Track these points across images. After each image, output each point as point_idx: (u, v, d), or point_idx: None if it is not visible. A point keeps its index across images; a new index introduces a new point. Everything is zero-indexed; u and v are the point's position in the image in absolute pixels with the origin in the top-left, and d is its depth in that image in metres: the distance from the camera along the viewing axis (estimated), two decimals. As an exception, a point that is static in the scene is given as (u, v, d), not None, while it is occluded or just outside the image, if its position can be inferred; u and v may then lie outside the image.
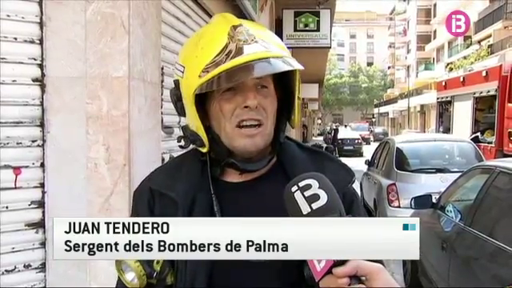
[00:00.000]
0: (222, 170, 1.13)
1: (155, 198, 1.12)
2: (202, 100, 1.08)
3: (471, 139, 10.40)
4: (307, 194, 0.88)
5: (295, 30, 10.76)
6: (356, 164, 19.36)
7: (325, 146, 21.69)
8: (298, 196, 0.89)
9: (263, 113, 1.07)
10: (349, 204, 1.07)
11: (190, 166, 1.14)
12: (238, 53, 1.02)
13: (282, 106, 1.14)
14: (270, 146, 1.13)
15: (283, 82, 1.14)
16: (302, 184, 0.90)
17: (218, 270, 1.05)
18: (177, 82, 1.10)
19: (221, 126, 1.08)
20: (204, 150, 1.11)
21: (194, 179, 1.11)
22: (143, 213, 1.12)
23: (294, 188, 0.90)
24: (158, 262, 1.05)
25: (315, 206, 0.87)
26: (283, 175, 1.11)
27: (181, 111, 1.11)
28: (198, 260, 1.03)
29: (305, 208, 0.87)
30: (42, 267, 2.54)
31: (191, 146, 1.15)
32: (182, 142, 1.14)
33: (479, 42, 34.91)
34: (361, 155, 25.06)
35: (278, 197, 1.08)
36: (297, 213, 0.88)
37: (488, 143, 11.55)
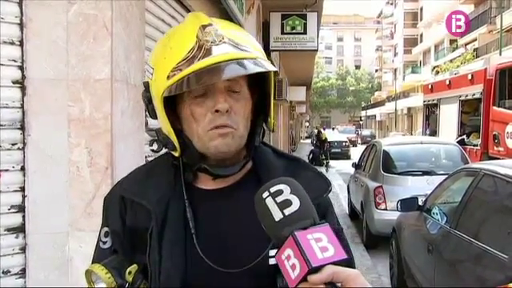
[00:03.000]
0: (194, 176, 1.10)
1: (127, 205, 1.09)
2: (174, 103, 1.05)
3: (457, 142, 10.51)
4: (279, 199, 0.85)
5: (282, 32, 10.76)
6: (343, 167, 19.49)
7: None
8: (269, 202, 0.86)
9: (234, 117, 1.04)
10: (322, 214, 1.04)
11: (162, 172, 1.12)
12: (205, 54, 0.98)
13: (258, 109, 1.11)
14: (245, 151, 1.10)
15: (259, 85, 1.11)
16: (273, 190, 0.87)
17: (192, 277, 1.03)
18: (146, 84, 1.07)
19: (193, 130, 1.05)
20: (176, 154, 1.08)
21: (167, 185, 1.08)
22: (114, 222, 1.10)
23: (265, 194, 0.87)
24: (130, 272, 1.03)
25: (287, 211, 0.84)
26: (258, 183, 1.07)
27: (152, 114, 1.08)
28: (172, 268, 1.01)
29: (277, 214, 0.84)
30: (22, 273, 2.48)
31: (164, 150, 1.12)
32: (155, 146, 1.11)
33: (465, 45, 35.30)
34: (348, 158, 25.20)
35: (252, 204, 1.06)
36: (269, 219, 0.85)
37: (474, 146, 11.65)
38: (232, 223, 1.07)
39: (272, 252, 1.02)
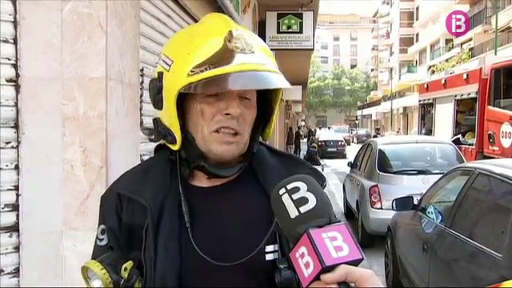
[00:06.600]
0: (190, 173, 1.11)
1: (123, 203, 1.10)
2: (181, 98, 1.05)
3: (452, 141, 10.53)
4: (295, 196, 0.85)
5: (278, 31, 10.77)
6: (339, 166, 19.51)
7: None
8: (285, 199, 0.85)
9: (242, 123, 1.06)
10: None
11: (158, 168, 1.12)
12: (233, 60, 1.00)
13: (260, 116, 1.13)
14: (242, 155, 1.11)
15: (265, 94, 1.13)
16: (289, 187, 0.86)
17: (188, 272, 1.03)
18: (160, 74, 1.07)
19: (198, 128, 1.06)
20: (175, 148, 1.09)
21: (163, 182, 1.09)
22: (111, 220, 1.10)
23: (282, 191, 0.86)
24: (125, 269, 1.03)
25: (303, 209, 0.83)
26: (253, 180, 1.10)
27: (158, 104, 1.08)
28: (167, 263, 1.02)
29: (292, 211, 0.84)
30: (16, 272, 2.47)
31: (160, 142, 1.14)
32: (153, 136, 1.13)
33: (460, 45, 35.40)
34: (344, 157, 25.24)
35: (248, 201, 1.07)
36: (284, 216, 0.85)
37: (469, 145, 11.70)
38: (228, 219, 1.07)
39: (269, 248, 1.04)
